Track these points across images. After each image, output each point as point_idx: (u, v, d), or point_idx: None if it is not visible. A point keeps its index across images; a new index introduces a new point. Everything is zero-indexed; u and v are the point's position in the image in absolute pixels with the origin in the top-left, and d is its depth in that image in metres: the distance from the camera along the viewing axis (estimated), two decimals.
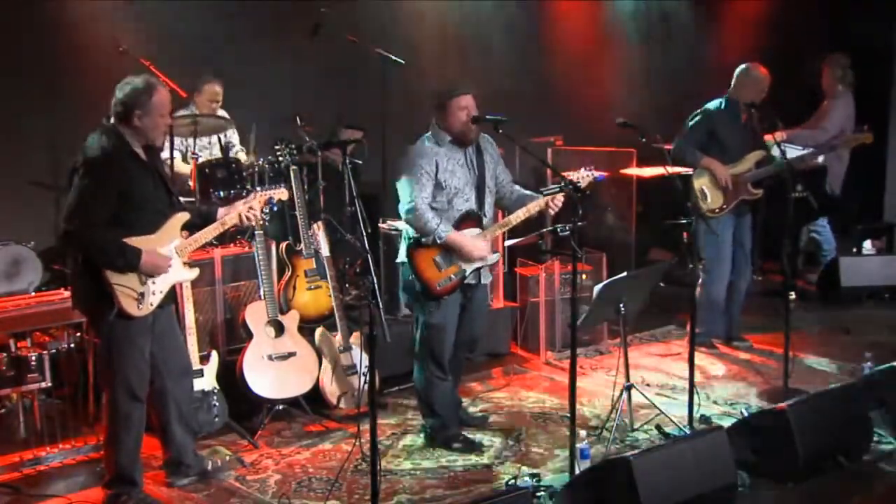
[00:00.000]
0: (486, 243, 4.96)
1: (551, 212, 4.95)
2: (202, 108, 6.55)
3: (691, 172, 6.44)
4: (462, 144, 4.94)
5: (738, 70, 6.44)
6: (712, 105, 6.46)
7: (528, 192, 5.13)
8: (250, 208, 4.56)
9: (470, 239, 4.90)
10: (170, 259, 4.32)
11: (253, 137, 6.49)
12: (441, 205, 4.91)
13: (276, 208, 4.85)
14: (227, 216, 4.53)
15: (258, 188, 4.82)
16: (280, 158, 5.72)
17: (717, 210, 6.35)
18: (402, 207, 4.88)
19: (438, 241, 4.84)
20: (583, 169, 4.99)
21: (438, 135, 4.93)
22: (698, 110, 6.50)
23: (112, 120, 4.26)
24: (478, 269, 4.99)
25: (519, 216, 5.00)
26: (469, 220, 4.95)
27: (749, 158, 6.39)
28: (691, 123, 6.47)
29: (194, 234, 4.46)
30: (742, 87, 6.38)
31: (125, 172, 4.20)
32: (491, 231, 5.00)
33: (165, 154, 6.29)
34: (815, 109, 8.08)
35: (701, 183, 6.36)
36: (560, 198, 4.91)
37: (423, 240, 4.86)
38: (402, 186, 4.89)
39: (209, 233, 4.50)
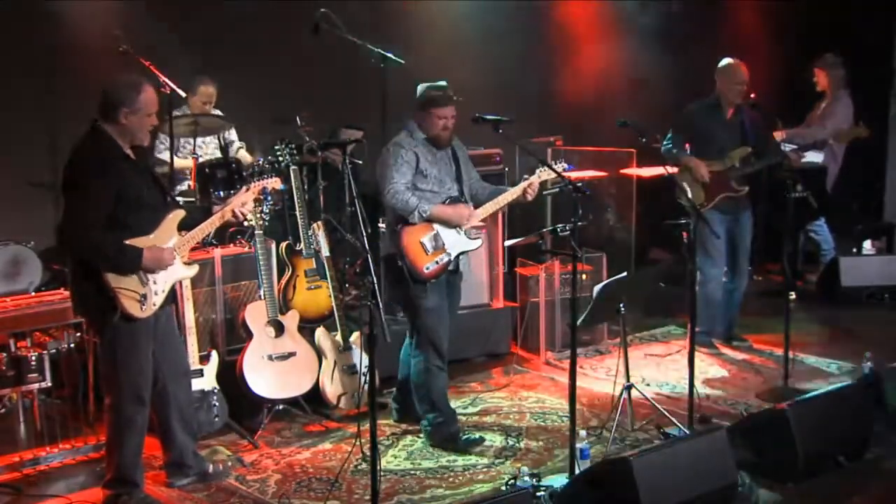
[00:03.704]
0: (470, 210, 5.06)
1: (528, 197, 5.09)
2: (194, 109, 6.57)
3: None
4: (436, 147, 5.09)
5: (718, 67, 6.48)
6: (695, 103, 6.51)
7: (499, 186, 5.34)
8: (244, 200, 4.57)
9: (452, 207, 5.02)
10: (172, 251, 4.32)
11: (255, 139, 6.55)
12: (426, 194, 5.01)
13: (270, 198, 4.86)
14: (224, 209, 4.54)
15: (254, 180, 4.84)
16: (280, 158, 5.72)
17: (696, 206, 6.35)
18: (383, 191, 4.97)
19: (423, 216, 4.92)
20: (556, 162, 5.17)
21: (415, 132, 5.07)
22: (685, 110, 6.54)
23: (99, 120, 4.24)
24: (459, 256, 5.08)
25: (499, 202, 5.13)
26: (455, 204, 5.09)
27: (733, 156, 6.39)
28: (675, 122, 6.51)
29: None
30: (720, 83, 6.43)
31: (119, 174, 4.18)
32: (478, 213, 5.10)
33: (164, 156, 6.34)
34: (809, 110, 8.10)
35: (681, 179, 6.36)
36: (536, 184, 5.09)
37: (409, 218, 4.94)
38: (382, 174, 4.99)
39: (205, 228, 4.49)
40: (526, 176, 5.13)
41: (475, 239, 5.13)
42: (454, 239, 5.05)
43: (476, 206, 5.22)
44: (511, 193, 5.12)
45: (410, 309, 5.10)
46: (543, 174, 5.08)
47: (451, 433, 5.09)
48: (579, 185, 4.74)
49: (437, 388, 5.09)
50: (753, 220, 6.65)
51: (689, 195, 6.30)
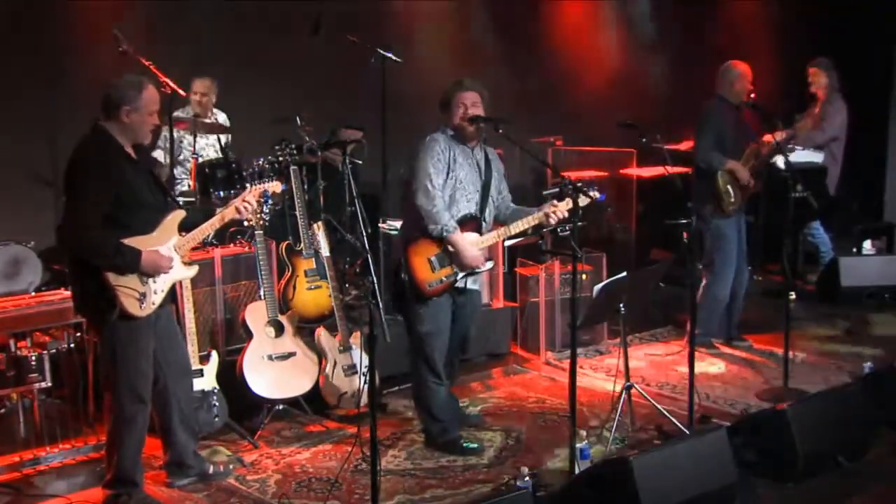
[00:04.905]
0: (481, 253, 4.94)
1: (552, 221, 4.92)
2: (193, 105, 6.58)
3: (691, 173, 6.47)
4: (462, 141, 4.95)
5: (721, 69, 6.48)
6: (714, 107, 6.48)
7: (525, 208, 5.11)
8: (246, 201, 4.56)
9: (470, 246, 4.88)
10: (171, 258, 4.31)
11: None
12: (445, 196, 4.90)
13: (270, 201, 4.86)
14: (224, 210, 4.54)
15: (254, 182, 4.83)
16: (280, 158, 5.72)
17: (737, 208, 6.40)
18: (420, 185, 4.79)
19: (444, 234, 4.80)
20: (592, 188, 4.90)
21: (446, 130, 4.96)
22: (704, 114, 6.50)
23: (101, 119, 4.24)
24: (468, 276, 4.98)
25: (518, 227, 4.98)
26: (470, 223, 4.94)
27: (750, 153, 6.42)
28: (703, 129, 6.46)
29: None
30: (729, 85, 6.42)
31: (120, 173, 4.18)
32: (486, 239, 4.98)
33: (158, 154, 6.34)
34: (803, 111, 8.11)
35: (725, 184, 6.36)
36: (560, 213, 4.87)
37: (430, 227, 4.80)
38: (420, 166, 4.83)
39: (205, 229, 4.49)
40: (554, 202, 4.91)
41: (486, 260, 5.01)
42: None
43: (496, 221, 5.17)
44: (533, 218, 4.93)
45: (407, 324, 5.02)
46: (562, 206, 4.86)
47: (451, 440, 5.06)
48: (579, 184, 4.73)
49: (436, 402, 5.05)
50: (752, 220, 6.67)
51: (733, 199, 6.34)
